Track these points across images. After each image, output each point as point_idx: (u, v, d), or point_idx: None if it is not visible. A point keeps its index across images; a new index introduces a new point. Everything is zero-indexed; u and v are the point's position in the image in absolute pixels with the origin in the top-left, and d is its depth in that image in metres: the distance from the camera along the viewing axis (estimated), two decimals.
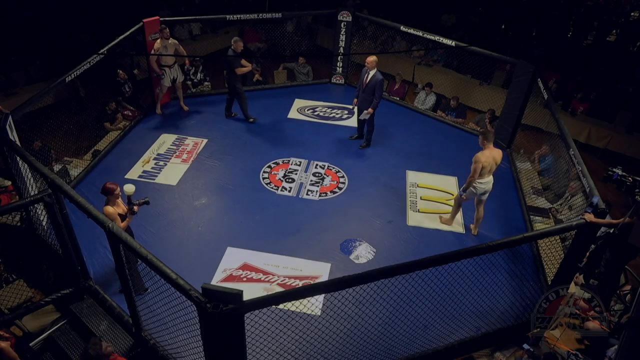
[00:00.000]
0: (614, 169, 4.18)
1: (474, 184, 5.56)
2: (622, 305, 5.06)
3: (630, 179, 4.12)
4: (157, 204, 6.19)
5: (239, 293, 3.07)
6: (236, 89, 7.76)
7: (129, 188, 4.58)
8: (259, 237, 5.77)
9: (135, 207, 4.62)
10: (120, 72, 8.42)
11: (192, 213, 6.10)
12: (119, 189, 4.55)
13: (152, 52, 7.52)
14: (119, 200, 4.62)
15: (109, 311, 4.76)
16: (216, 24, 11.70)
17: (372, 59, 6.86)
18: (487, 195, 5.75)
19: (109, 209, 4.43)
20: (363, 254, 5.64)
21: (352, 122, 8.23)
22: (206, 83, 9.29)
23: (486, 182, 5.59)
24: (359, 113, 7.39)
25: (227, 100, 8.09)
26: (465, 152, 7.66)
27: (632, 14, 12.67)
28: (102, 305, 4.81)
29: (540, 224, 6.18)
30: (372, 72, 6.88)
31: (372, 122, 7.37)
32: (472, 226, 6.11)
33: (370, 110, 7.02)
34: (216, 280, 5.17)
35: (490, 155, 5.46)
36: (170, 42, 7.57)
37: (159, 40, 7.51)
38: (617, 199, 6.85)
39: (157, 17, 7.85)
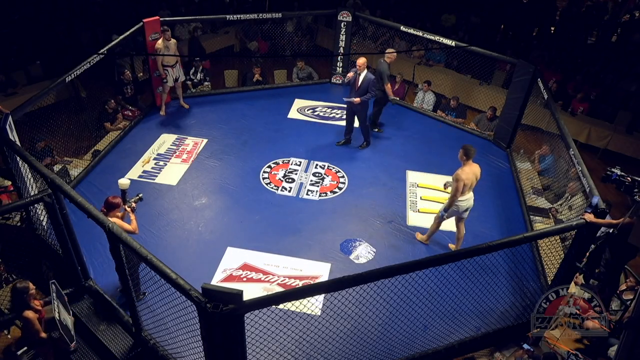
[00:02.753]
0: (613, 169, 4.19)
1: (456, 203, 5.31)
2: (622, 304, 5.07)
3: (629, 178, 4.13)
4: (157, 204, 6.20)
5: (239, 293, 3.07)
6: (377, 99, 7.65)
7: (125, 182, 4.61)
8: (259, 237, 5.77)
9: (134, 204, 4.62)
10: (127, 72, 8.43)
11: (192, 213, 6.10)
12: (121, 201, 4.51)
13: (154, 52, 7.52)
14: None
15: (109, 311, 4.76)
16: (216, 24, 11.70)
17: (362, 60, 6.86)
18: (468, 212, 5.48)
19: (117, 220, 4.27)
20: (363, 254, 5.65)
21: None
22: (206, 83, 9.28)
23: (467, 199, 5.33)
24: (351, 114, 7.37)
25: (375, 113, 8.00)
26: None
27: (635, 13, 12.62)
28: (102, 305, 4.81)
29: (540, 224, 6.18)
30: (363, 74, 6.87)
31: (365, 122, 7.35)
32: (451, 246, 5.77)
33: (357, 99, 6.93)
34: (216, 280, 5.18)
35: (471, 172, 5.21)
36: (172, 42, 7.58)
37: (160, 41, 7.51)
38: (617, 199, 6.85)
39: (157, 17, 7.85)
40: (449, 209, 5.38)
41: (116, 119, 7.89)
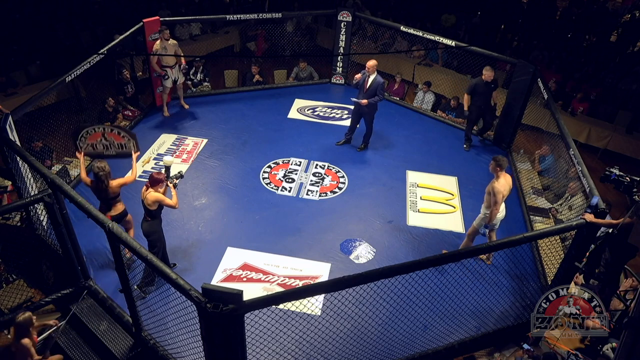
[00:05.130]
0: (612, 169, 4.19)
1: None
2: (623, 304, 5.07)
3: (627, 178, 4.13)
4: None
5: (239, 293, 3.07)
6: (492, 111, 7.56)
7: (169, 159, 5.11)
8: (259, 237, 5.77)
9: (175, 180, 4.87)
10: (126, 71, 8.42)
11: (192, 213, 6.11)
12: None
13: (152, 53, 7.50)
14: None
15: (109, 311, 4.77)
16: (216, 24, 11.70)
17: (372, 63, 6.82)
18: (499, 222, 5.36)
19: (159, 195, 4.62)
20: (363, 254, 5.65)
21: None
22: (205, 83, 9.27)
23: (502, 210, 5.21)
24: (358, 116, 7.36)
25: (486, 123, 7.85)
26: (465, 152, 7.71)
27: (636, 12, 12.60)
28: (102, 305, 4.81)
29: (540, 224, 6.18)
30: (372, 76, 6.85)
31: (371, 125, 7.34)
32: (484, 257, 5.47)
33: (365, 101, 6.90)
34: (216, 280, 5.18)
35: (507, 183, 5.09)
36: (170, 43, 7.54)
37: (158, 42, 7.48)
38: (617, 199, 6.85)
39: (157, 17, 7.85)
40: (484, 223, 5.23)
41: (116, 119, 7.88)
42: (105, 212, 4.75)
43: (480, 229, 5.32)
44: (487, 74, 7.24)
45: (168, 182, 4.77)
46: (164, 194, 4.68)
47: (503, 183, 5.04)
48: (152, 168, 6.87)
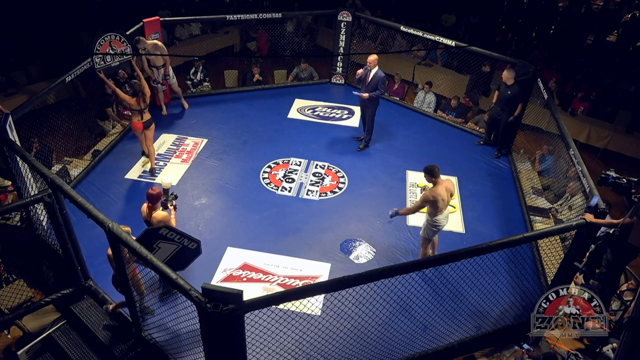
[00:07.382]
0: (608, 172, 4.18)
1: (436, 222, 5.03)
2: (622, 304, 5.07)
3: (624, 180, 4.12)
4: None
5: (239, 293, 3.08)
6: (507, 125, 7.46)
7: (168, 182, 5.05)
8: (259, 237, 5.77)
9: (175, 202, 4.90)
10: (121, 71, 8.40)
11: (192, 213, 6.11)
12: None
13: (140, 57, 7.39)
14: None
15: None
16: (216, 24, 11.70)
17: (372, 57, 6.87)
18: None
19: (166, 215, 4.63)
20: (363, 254, 5.65)
21: (352, 122, 8.25)
22: (205, 83, 9.26)
23: (446, 216, 5.11)
24: (362, 112, 7.40)
25: (496, 134, 7.76)
26: (465, 152, 7.71)
27: (636, 12, 12.59)
28: (102, 305, 4.81)
29: (540, 224, 6.18)
30: (373, 71, 6.89)
31: (372, 124, 7.36)
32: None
33: (366, 94, 6.94)
34: (216, 280, 5.18)
35: (444, 189, 4.92)
36: (149, 44, 7.32)
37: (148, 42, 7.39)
38: (617, 199, 6.84)
39: (157, 17, 7.84)
40: (428, 231, 5.13)
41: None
42: (140, 120, 6.24)
43: (431, 236, 5.20)
44: (504, 74, 7.15)
45: (169, 205, 4.83)
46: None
47: (439, 190, 4.88)
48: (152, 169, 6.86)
